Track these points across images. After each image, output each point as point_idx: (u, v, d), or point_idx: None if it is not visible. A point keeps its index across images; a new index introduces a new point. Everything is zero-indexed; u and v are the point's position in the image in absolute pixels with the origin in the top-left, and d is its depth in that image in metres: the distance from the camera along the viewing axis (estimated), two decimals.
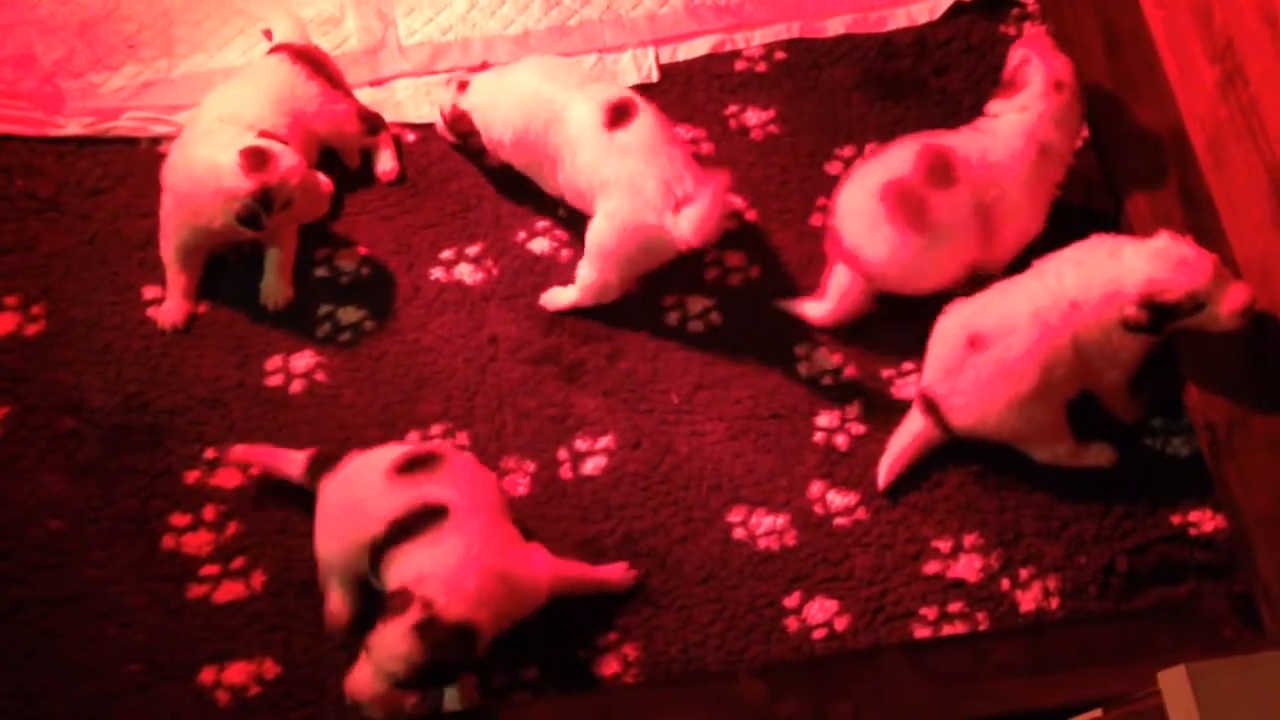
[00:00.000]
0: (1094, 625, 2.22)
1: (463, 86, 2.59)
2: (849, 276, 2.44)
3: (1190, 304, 2.19)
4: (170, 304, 2.53)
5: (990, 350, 2.26)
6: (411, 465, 2.17)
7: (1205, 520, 2.31)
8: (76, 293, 2.56)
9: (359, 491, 2.18)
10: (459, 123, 2.59)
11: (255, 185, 2.37)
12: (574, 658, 2.23)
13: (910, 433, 2.34)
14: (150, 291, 2.57)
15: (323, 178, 2.47)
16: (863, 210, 2.41)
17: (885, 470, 2.35)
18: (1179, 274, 2.18)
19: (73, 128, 2.73)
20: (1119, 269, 2.22)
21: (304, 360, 2.49)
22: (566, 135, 2.45)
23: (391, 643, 2.00)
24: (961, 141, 2.44)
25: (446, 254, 2.60)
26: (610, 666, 2.22)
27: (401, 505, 2.12)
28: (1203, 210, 2.32)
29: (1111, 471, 2.34)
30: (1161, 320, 2.20)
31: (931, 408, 2.32)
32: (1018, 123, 2.43)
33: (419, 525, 2.10)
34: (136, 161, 2.70)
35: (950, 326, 2.32)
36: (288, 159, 2.39)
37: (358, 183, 2.66)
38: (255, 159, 2.38)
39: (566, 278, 2.57)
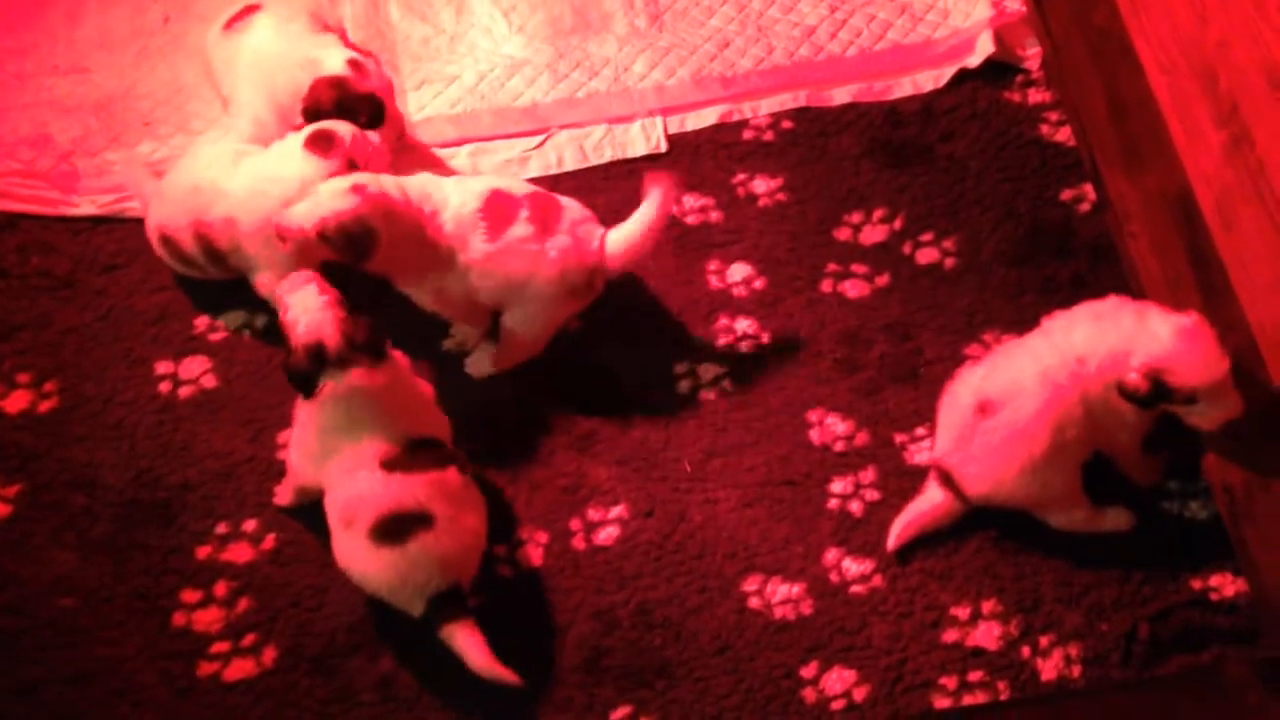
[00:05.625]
0: (1117, 694, 2.19)
1: None
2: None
3: (1187, 394, 2.18)
4: None
5: (1000, 415, 2.24)
6: None
7: (1226, 585, 2.28)
8: (89, 369, 2.57)
9: None
10: None
11: (340, 161, 2.42)
12: None
13: (930, 501, 2.33)
14: (163, 367, 2.58)
15: (371, 135, 2.50)
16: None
17: (896, 533, 2.33)
18: (1196, 363, 2.16)
19: (87, 207, 2.76)
20: (1138, 333, 2.20)
21: None
22: None
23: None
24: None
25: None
26: None
27: None
28: (1213, 272, 2.32)
29: (1130, 536, 2.32)
30: (1157, 398, 2.19)
31: (947, 479, 2.30)
32: None
33: None
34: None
35: (958, 394, 2.31)
36: (343, 129, 2.45)
37: None
38: (322, 141, 2.43)
39: (580, 349, 2.58)
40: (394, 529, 2.16)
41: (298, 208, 2.33)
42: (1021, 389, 2.24)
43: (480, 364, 2.54)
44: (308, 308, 2.21)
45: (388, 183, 2.37)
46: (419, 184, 2.42)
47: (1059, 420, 2.23)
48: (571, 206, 2.48)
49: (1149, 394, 2.18)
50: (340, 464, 2.22)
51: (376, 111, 2.54)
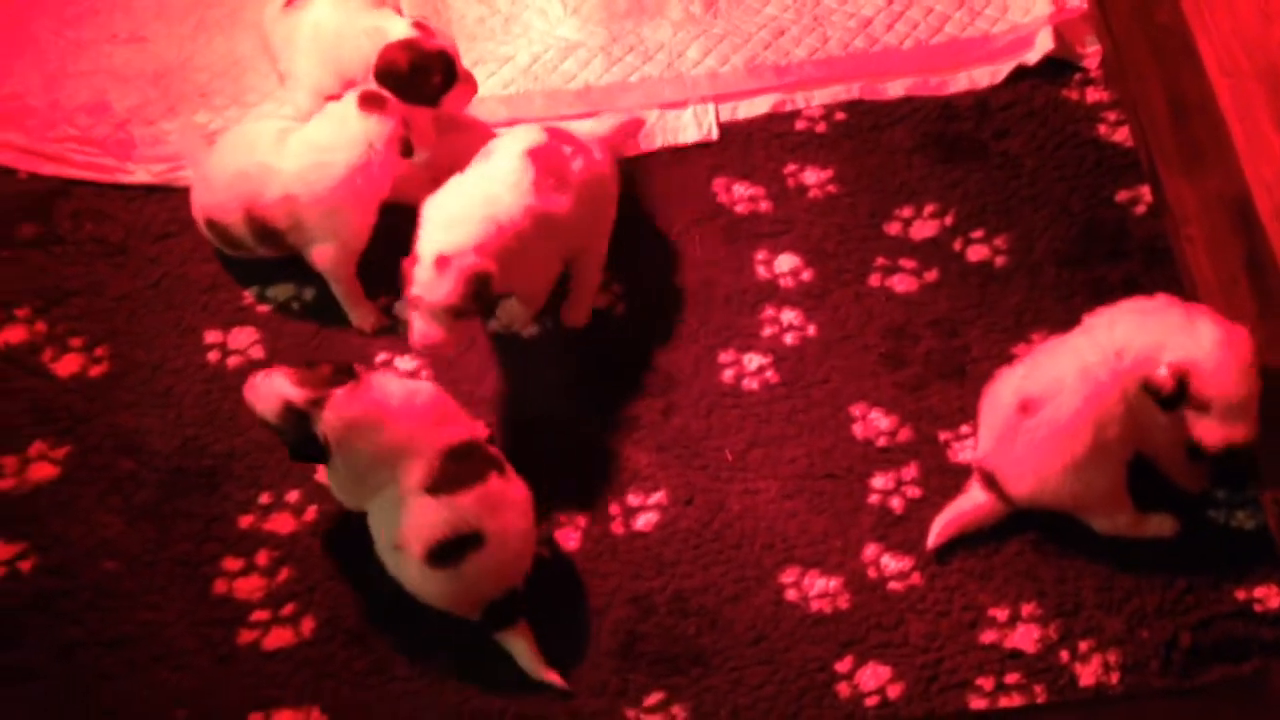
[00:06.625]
0: (1155, 701, 2.17)
1: None
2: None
3: (1203, 401, 2.14)
4: (365, 310, 2.58)
5: (1041, 413, 2.23)
6: None
7: (1271, 596, 2.25)
8: (140, 336, 2.60)
9: None
10: None
11: (397, 117, 2.49)
12: (621, 717, 2.20)
13: (972, 501, 2.31)
14: (212, 336, 2.60)
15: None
16: None
17: (937, 531, 2.31)
18: (1224, 374, 2.13)
19: (141, 175, 2.79)
20: (1181, 333, 2.17)
21: None
22: None
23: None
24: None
25: None
26: None
27: None
28: (1269, 278, 2.30)
29: (1174, 544, 2.30)
30: (1178, 400, 2.16)
31: (990, 480, 2.29)
32: None
33: None
34: None
35: (1000, 394, 2.30)
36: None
37: None
38: (374, 100, 2.50)
39: (622, 333, 2.58)
40: (447, 553, 2.16)
41: (417, 325, 2.31)
42: (1063, 387, 2.22)
43: (573, 313, 2.57)
44: (258, 388, 2.20)
45: (455, 231, 2.33)
46: (472, 201, 2.38)
47: (1100, 418, 2.21)
48: (575, 128, 2.59)
49: (1172, 393, 2.15)
50: (385, 496, 2.20)
51: (449, 68, 2.57)
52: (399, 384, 2.27)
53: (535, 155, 2.44)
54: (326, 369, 2.20)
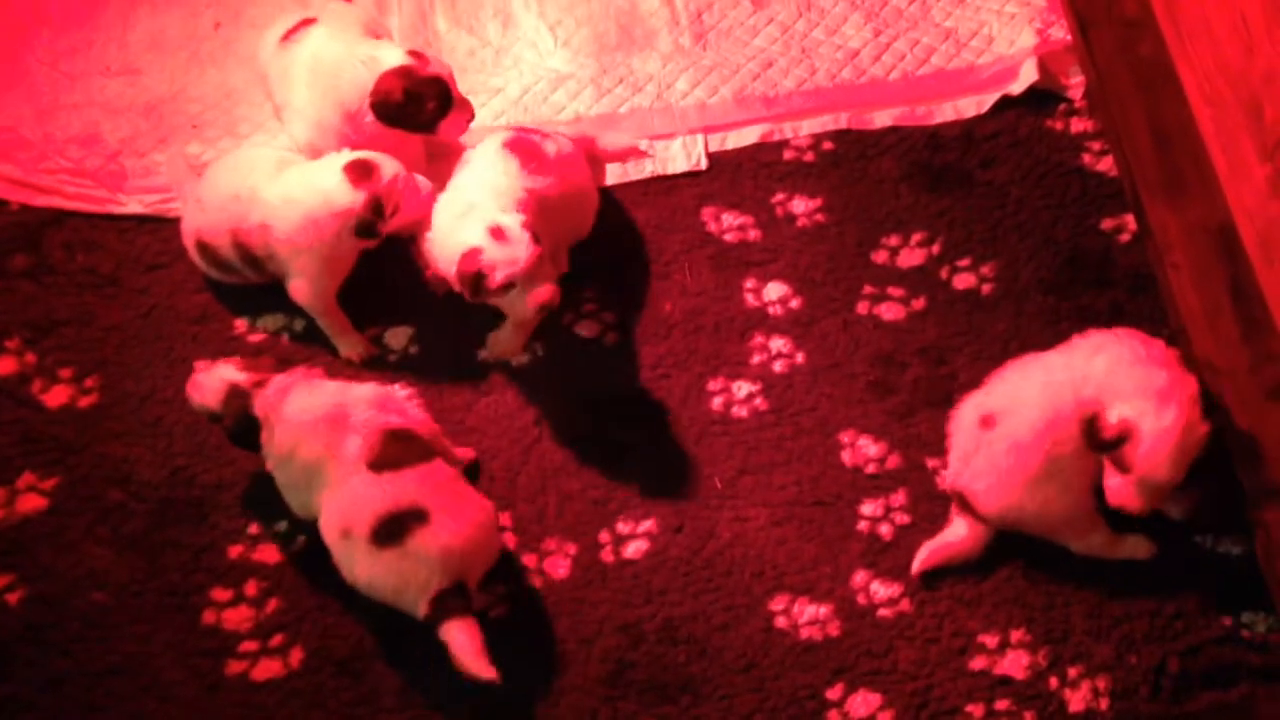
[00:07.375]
0: None
1: None
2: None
3: (1128, 466, 2.15)
4: (352, 340, 2.60)
5: (1000, 427, 2.24)
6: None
7: (1259, 622, 2.26)
8: (130, 366, 2.60)
9: None
10: None
11: (367, 195, 2.48)
12: None
13: (955, 535, 2.32)
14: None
15: (422, 180, 2.55)
16: None
17: (922, 557, 2.32)
18: (1164, 458, 2.13)
19: (133, 206, 2.80)
20: (1154, 399, 2.15)
21: None
22: None
23: None
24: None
25: None
26: None
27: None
28: (1254, 305, 2.31)
29: (1162, 570, 2.30)
30: (1107, 447, 2.17)
31: (963, 502, 2.30)
32: None
33: None
34: None
35: (965, 413, 2.32)
36: (389, 167, 2.51)
37: (410, 262, 2.70)
38: (360, 171, 2.49)
39: (613, 361, 2.59)
40: (391, 529, 2.18)
41: (522, 304, 2.40)
42: (1024, 401, 2.23)
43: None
44: (201, 383, 2.33)
45: (481, 211, 2.43)
46: (480, 193, 2.47)
47: (1057, 434, 2.22)
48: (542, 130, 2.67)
49: (1105, 441, 2.16)
50: (326, 480, 2.24)
51: (444, 94, 2.60)
52: (339, 383, 2.35)
53: (511, 146, 2.54)
54: (269, 360, 2.36)
